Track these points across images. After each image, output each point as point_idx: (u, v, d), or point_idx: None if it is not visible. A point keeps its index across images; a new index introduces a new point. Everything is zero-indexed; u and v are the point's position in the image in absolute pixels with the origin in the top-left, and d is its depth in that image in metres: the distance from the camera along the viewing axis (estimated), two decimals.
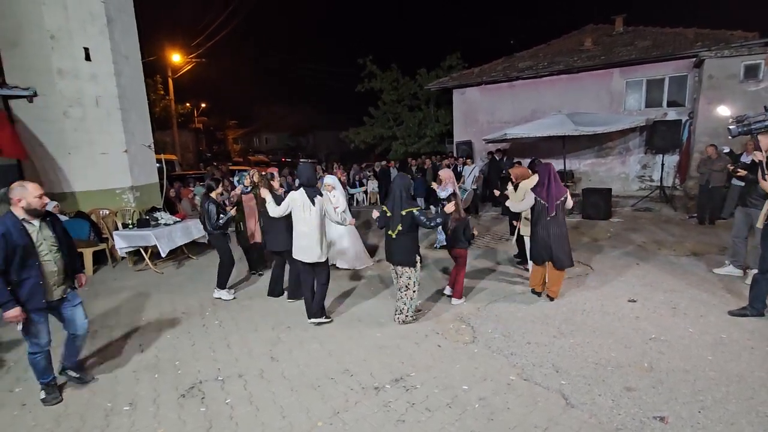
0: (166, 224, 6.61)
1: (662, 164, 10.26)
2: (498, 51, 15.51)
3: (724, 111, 8.78)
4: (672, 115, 10.59)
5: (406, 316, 4.09)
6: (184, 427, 2.74)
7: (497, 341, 3.69)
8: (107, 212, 7.24)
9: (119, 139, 7.59)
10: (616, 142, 11.26)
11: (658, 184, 10.20)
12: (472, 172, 10.35)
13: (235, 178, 6.60)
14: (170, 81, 20.71)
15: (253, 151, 36.10)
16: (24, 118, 7.22)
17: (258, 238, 5.91)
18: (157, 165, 8.80)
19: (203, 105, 33.70)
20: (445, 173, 6.08)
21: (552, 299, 4.52)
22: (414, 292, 4.06)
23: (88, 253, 6.35)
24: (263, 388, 3.12)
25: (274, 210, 4.25)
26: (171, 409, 2.94)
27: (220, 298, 5.06)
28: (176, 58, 20.36)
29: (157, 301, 5.17)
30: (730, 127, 3.91)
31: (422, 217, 3.91)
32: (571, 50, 12.69)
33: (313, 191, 4.14)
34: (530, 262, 4.85)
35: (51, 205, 6.66)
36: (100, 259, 6.76)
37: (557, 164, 10.53)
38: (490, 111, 13.13)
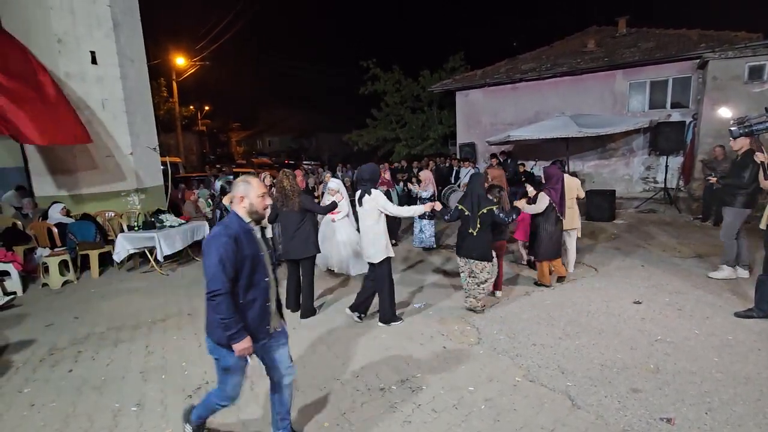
0: (171, 226, 6.65)
1: (666, 166, 10.23)
2: (501, 52, 15.52)
3: (725, 113, 8.77)
4: (676, 116, 10.56)
5: (479, 305, 4.35)
6: None
7: (502, 342, 3.69)
8: (113, 214, 7.30)
9: (125, 141, 7.65)
10: (620, 144, 11.24)
11: (662, 185, 10.18)
12: (468, 173, 10.39)
13: (218, 183, 5.80)
14: (174, 84, 20.85)
15: (257, 154, 36.21)
16: None
17: None
18: (162, 167, 8.85)
19: (207, 108, 33.87)
20: (424, 175, 6.66)
21: (563, 278, 5.12)
22: (489, 283, 4.34)
23: (94, 255, 6.39)
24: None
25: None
26: (178, 409, 2.94)
27: None
28: (180, 61, 20.51)
29: (162, 302, 5.20)
30: (732, 128, 3.94)
31: (501, 215, 4.17)
32: (574, 52, 12.68)
33: (365, 190, 4.01)
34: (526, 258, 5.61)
35: (58, 208, 6.74)
36: (106, 260, 6.81)
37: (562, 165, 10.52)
38: (493, 113, 13.13)
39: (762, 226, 3.90)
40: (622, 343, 3.57)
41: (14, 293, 5.55)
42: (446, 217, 4.40)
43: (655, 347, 3.47)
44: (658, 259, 5.93)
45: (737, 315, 3.93)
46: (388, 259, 4.08)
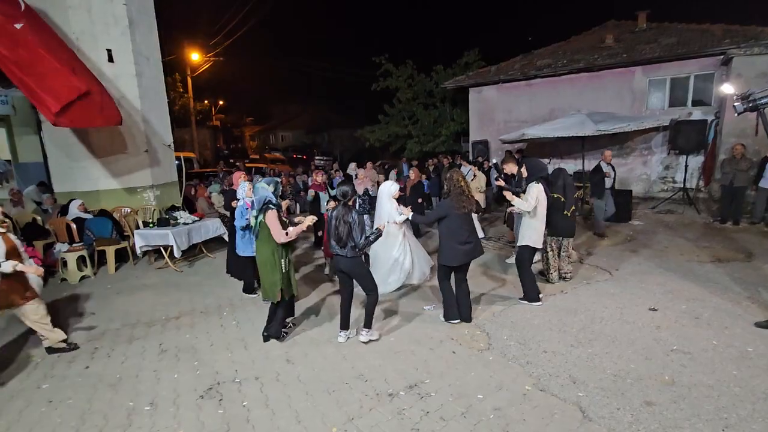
0: (185, 223, 6.73)
1: (686, 165, 9.96)
2: (516, 48, 15.25)
3: (728, 89, 8.35)
4: (697, 114, 10.25)
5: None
6: (203, 428, 2.80)
7: (513, 349, 3.65)
8: (129, 210, 7.42)
9: (140, 138, 7.76)
10: (638, 142, 10.96)
11: (681, 185, 9.92)
12: (468, 174, 10.19)
13: (260, 182, 4.20)
14: (189, 79, 21.06)
15: (270, 148, 36.44)
16: None
17: None
18: (176, 162, 8.96)
19: (221, 102, 34.19)
20: (362, 173, 7.84)
21: None
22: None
23: (110, 251, 6.52)
24: (279, 392, 3.16)
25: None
26: (190, 409, 3.01)
27: (370, 341, 3.85)
28: (195, 56, 20.70)
29: (176, 299, 5.28)
30: (735, 104, 3.80)
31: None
32: (592, 47, 12.38)
33: (547, 185, 4.55)
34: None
35: (77, 203, 6.88)
36: (121, 256, 6.94)
37: (577, 164, 10.35)
38: (507, 110, 12.93)
39: None
40: (637, 352, 3.49)
41: None
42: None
43: (671, 358, 3.39)
44: (675, 263, 5.79)
45: (758, 325, 3.81)
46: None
